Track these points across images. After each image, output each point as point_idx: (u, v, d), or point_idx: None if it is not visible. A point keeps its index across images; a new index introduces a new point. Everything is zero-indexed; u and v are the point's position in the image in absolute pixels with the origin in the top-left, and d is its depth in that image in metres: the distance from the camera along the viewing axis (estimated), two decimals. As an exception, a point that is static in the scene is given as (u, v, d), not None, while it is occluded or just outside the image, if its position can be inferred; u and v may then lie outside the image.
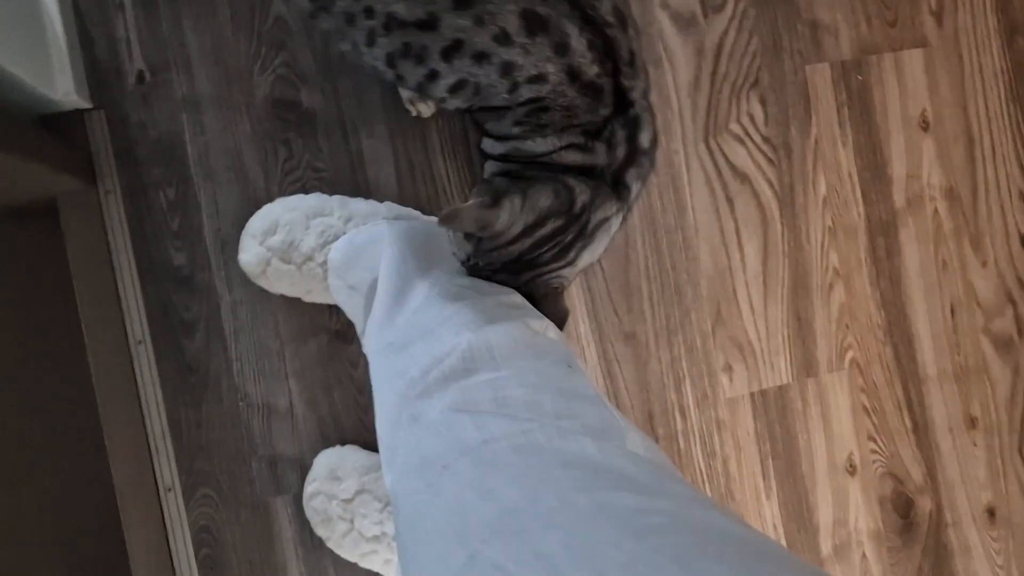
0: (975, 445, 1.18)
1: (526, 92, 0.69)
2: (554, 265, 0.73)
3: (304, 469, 1.03)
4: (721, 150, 1.10)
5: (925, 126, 1.16)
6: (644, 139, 0.74)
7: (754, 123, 1.12)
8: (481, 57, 0.67)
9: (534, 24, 0.65)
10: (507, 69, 0.67)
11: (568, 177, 0.70)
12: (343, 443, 1.04)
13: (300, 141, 1.04)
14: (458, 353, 0.61)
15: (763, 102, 1.13)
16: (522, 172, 0.72)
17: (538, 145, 0.72)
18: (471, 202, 0.68)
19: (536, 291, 0.74)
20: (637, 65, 0.72)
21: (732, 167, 1.11)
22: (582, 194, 0.69)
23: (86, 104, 1.00)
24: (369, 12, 0.69)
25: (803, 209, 1.13)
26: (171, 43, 1.02)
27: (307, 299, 1.00)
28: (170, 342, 1.02)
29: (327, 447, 1.03)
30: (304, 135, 1.04)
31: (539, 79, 0.68)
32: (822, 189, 1.14)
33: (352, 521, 0.99)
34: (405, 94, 1.02)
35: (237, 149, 1.03)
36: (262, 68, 1.05)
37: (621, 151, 0.72)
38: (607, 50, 0.69)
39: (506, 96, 0.69)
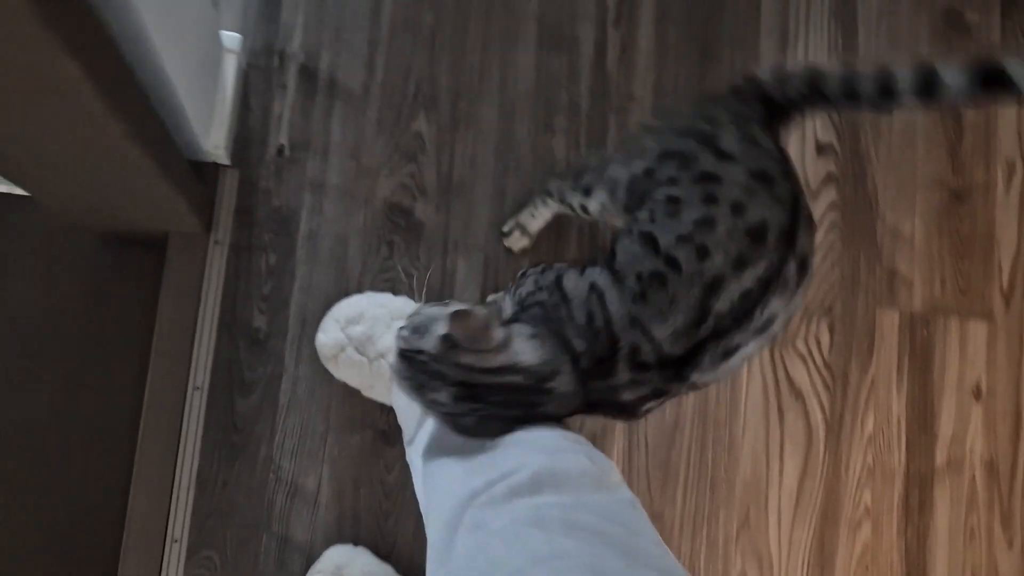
0: None
1: None
2: (508, 413, 0.74)
3: (311, 559, 1.06)
4: (784, 363, 1.18)
5: (978, 395, 1.24)
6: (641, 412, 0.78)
7: (819, 347, 1.20)
8: None
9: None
10: None
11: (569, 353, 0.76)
12: (356, 543, 1.07)
13: (403, 245, 1.13)
14: (527, 472, 0.67)
15: (831, 330, 1.21)
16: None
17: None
18: (485, 311, 0.71)
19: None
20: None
21: (790, 382, 1.18)
22: (564, 376, 0.72)
23: (225, 161, 1.10)
24: None
25: (848, 441, 1.19)
26: (317, 129, 1.13)
27: (366, 393, 1.06)
28: (225, 396, 1.08)
29: (340, 542, 1.06)
30: (408, 241, 1.13)
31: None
32: (869, 427, 1.20)
33: (344, 625, 1.00)
34: (507, 226, 1.10)
35: (345, 237, 1.12)
36: (390, 172, 1.15)
37: (628, 397, 0.77)
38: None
39: None
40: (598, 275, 0.78)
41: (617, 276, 0.77)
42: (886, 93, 0.74)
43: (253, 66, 1.19)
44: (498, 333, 0.72)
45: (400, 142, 1.21)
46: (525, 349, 0.73)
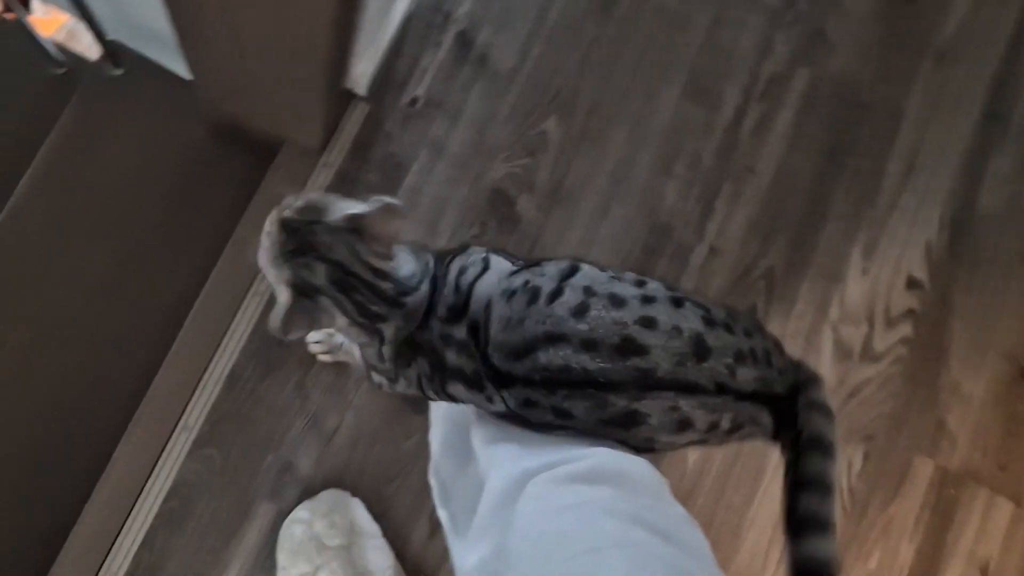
0: None
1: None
2: None
3: (307, 493, 1.07)
4: (813, 473, 1.18)
5: (984, 572, 1.23)
6: None
7: (849, 469, 1.21)
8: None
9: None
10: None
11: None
12: (354, 494, 1.06)
13: (495, 231, 1.15)
14: (589, 462, 0.67)
15: (866, 457, 1.22)
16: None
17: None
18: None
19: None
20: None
21: (812, 493, 1.18)
22: (418, 297, 0.74)
23: (362, 92, 1.13)
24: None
25: (848, 571, 1.18)
26: (455, 94, 1.17)
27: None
28: None
29: (340, 488, 1.06)
30: (501, 229, 1.15)
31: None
32: (872, 564, 1.21)
33: (317, 570, 1.00)
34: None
35: (444, 203, 1.14)
36: (507, 159, 1.17)
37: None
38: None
39: None
40: (500, 262, 0.79)
41: (511, 274, 0.76)
42: None
43: (418, 16, 1.22)
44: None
45: (526, 134, 1.24)
46: (404, 261, 0.75)
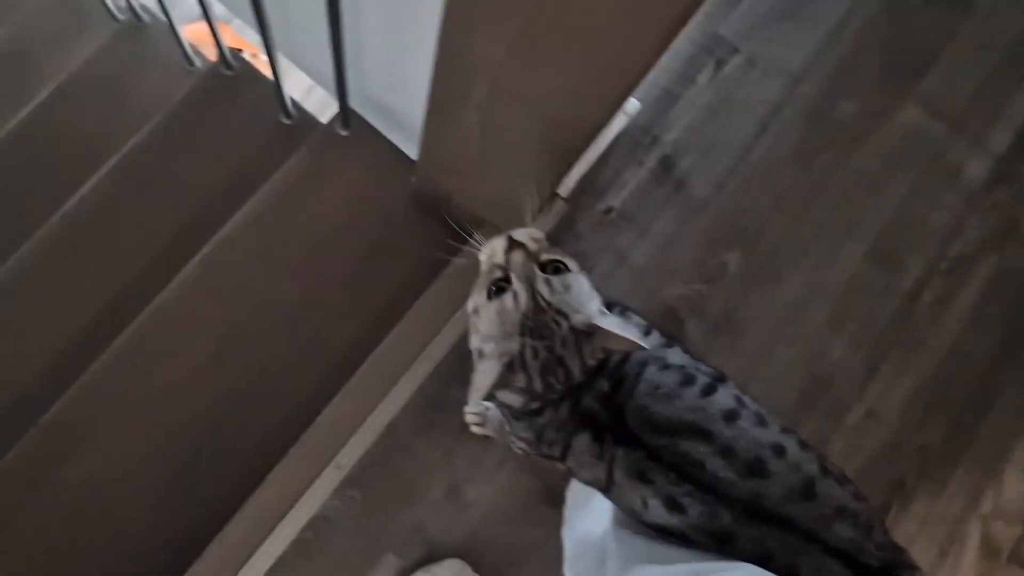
0: None
1: None
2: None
3: (431, 555, 1.10)
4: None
5: None
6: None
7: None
8: None
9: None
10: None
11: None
12: (476, 569, 1.09)
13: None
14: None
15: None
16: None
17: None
18: None
19: None
20: None
21: None
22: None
23: (564, 193, 1.20)
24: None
25: None
26: (647, 212, 1.28)
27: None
28: (448, 378, 1.23)
29: (463, 559, 1.09)
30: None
31: None
32: None
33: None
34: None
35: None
36: (685, 281, 1.22)
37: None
38: None
39: None
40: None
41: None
42: None
43: (628, 134, 1.31)
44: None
45: (707, 262, 1.29)
46: None
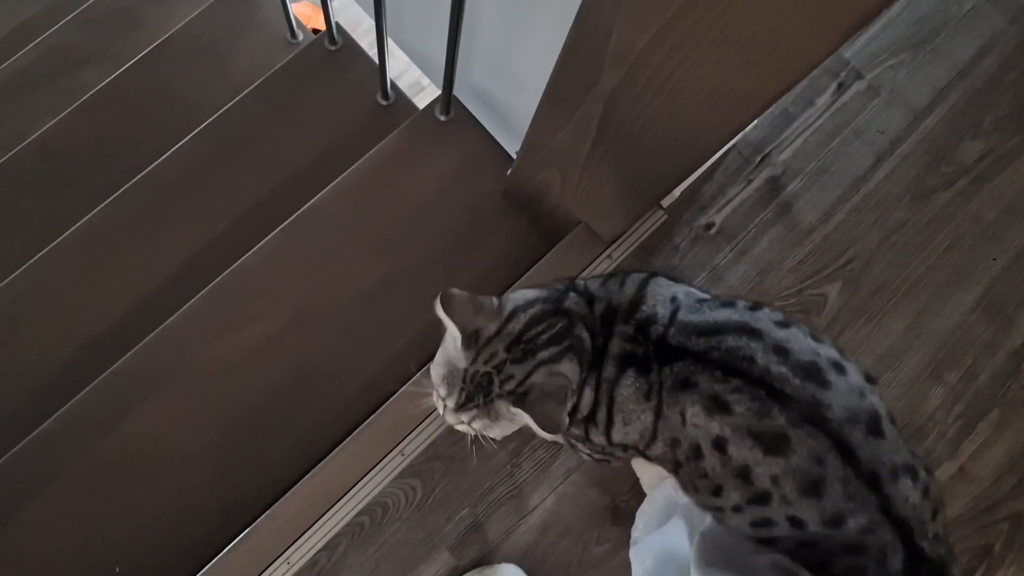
0: None
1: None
2: (552, 350, 0.74)
3: (486, 558, 1.08)
4: None
5: None
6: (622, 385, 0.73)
7: None
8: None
9: None
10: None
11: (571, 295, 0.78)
12: (530, 577, 1.06)
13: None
14: None
15: None
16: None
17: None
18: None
19: (544, 390, 0.73)
20: None
21: None
22: (571, 305, 0.76)
23: (664, 203, 1.16)
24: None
25: None
26: (749, 232, 1.23)
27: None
28: None
29: (520, 566, 1.05)
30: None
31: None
32: None
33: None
34: None
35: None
36: (781, 308, 1.15)
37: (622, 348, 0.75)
38: None
39: None
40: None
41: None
42: None
43: (738, 149, 1.27)
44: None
45: (805, 291, 1.24)
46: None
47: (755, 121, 1.23)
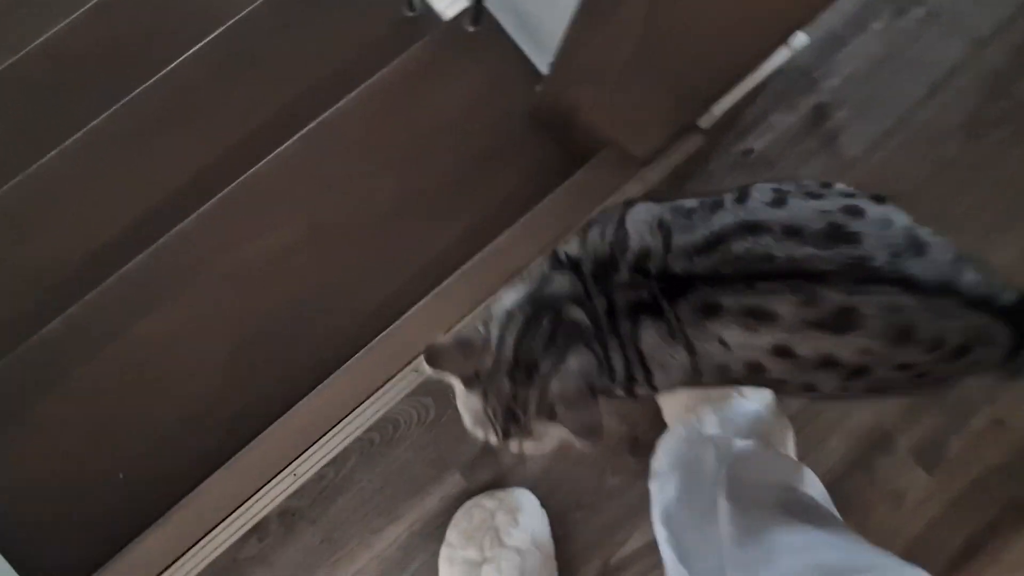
0: None
1: None
2: (553, 355, 0.69)
3: (495, 483, 1.04)
4: None
5: None
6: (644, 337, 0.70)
7: None
8: None
9: None
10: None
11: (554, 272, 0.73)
12: (542, 503, 1.02)
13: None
14: None
15: None
16: None
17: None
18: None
19: (567, 399, 0.70)
20: None
21: None
22: (553, 286, 0.72)
23: (703, 126, 1.10)
24: None
25: None
26: (789, 160, 1.17)
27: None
28: None
29: (531, 491, 1.02)
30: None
31: None
32: None
33: (484, 562, 0.97)
34: None
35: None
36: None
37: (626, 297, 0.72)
38: None
39: None
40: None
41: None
42: None
43: (785, 73, 1.20)
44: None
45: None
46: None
47: (805, 41, 1.16)
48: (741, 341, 0.65)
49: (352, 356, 1.16)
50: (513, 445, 0.74)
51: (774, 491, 0.87)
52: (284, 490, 1.08)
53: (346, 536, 1.08)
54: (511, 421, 0.72)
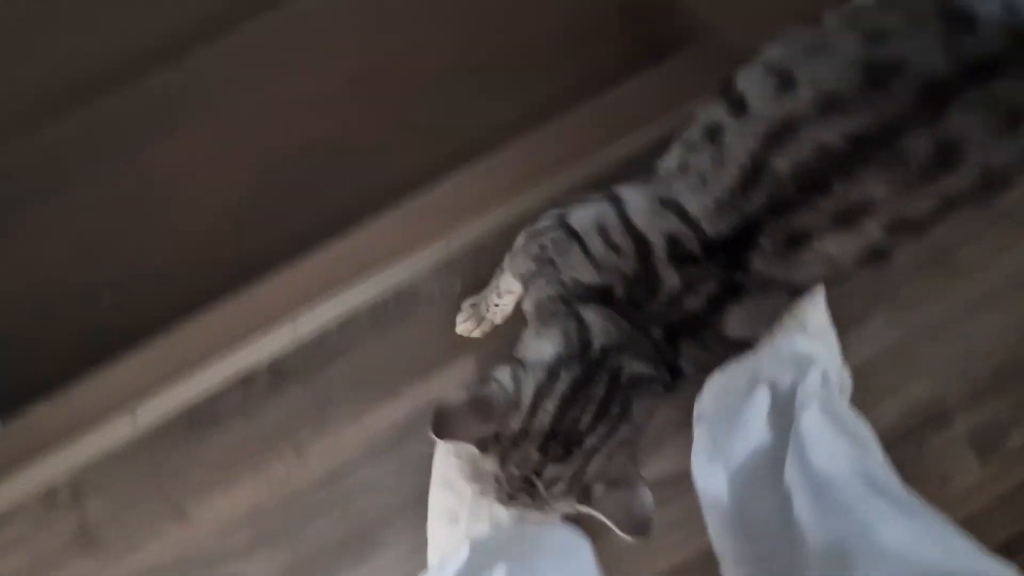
0: None
1: None
2: (601, 430, 0.58)
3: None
4: None
5: None
6: (731, 323, 0.59)
7: None
8: None
9: None
10: None
11: (587, 311, 0.60)
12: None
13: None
14: None
15: None
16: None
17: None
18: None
19: (608, 478, 0.59)
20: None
21: None
22: (600, 336, 0.59)
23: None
24: None
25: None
26: None
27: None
28: None
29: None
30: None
31: None
32: None
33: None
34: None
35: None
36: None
37: (694, 303, 0.59)
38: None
39: None
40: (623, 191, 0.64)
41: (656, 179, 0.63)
42: None
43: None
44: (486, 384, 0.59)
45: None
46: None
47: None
48: (846, 244, 0.57)
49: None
50: (512, 510, 0.67)
51: (847, 460, 0.73)
52: (281, 343, 0.98)
53: (337, 403, 0.98)
54: (523, 492, 0.60)
